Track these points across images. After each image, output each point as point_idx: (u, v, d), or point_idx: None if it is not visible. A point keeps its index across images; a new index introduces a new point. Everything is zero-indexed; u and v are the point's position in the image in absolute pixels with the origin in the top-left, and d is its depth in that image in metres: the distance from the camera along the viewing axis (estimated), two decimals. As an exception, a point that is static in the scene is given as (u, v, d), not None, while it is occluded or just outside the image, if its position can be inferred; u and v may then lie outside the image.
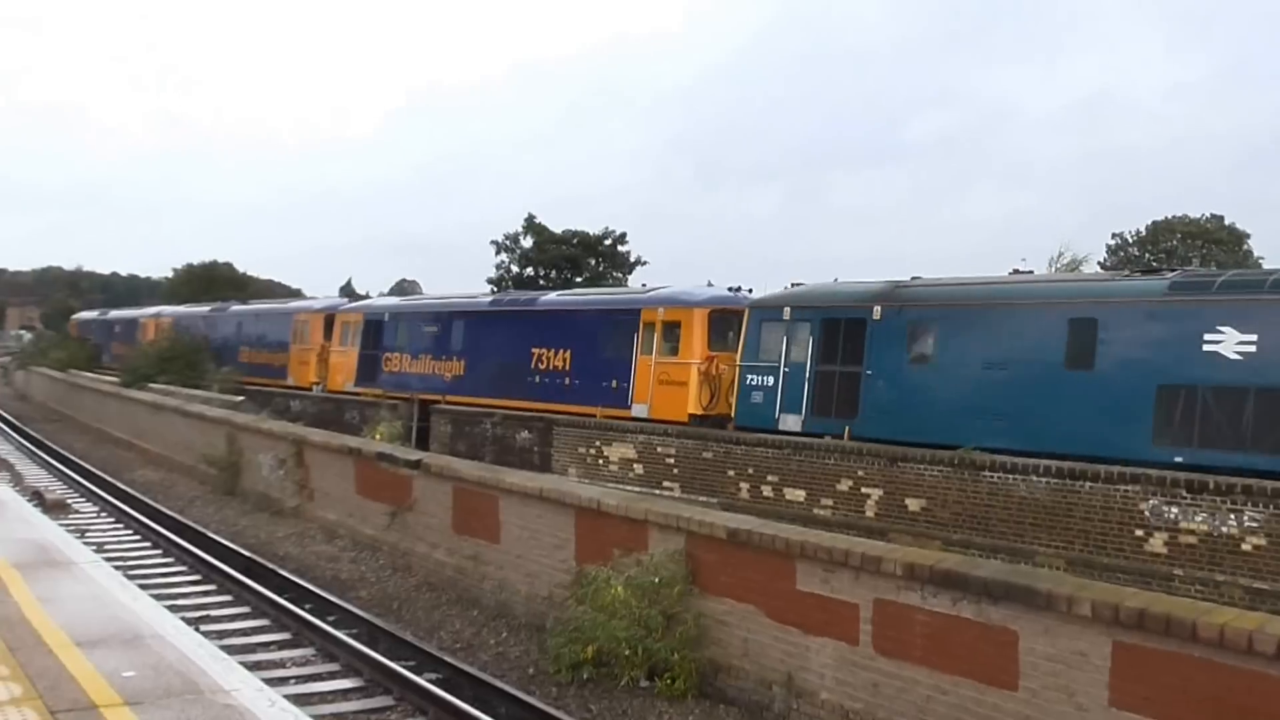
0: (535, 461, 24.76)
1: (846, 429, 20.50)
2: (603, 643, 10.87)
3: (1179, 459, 16.58)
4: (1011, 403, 18.58)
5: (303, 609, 13.00)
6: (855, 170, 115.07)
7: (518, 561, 13.59)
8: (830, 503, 19.48)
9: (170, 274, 78.87)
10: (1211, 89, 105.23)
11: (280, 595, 13.58)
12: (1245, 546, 15.47)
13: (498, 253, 56.68)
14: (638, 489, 21.80)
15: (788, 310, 22.58)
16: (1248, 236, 68.10)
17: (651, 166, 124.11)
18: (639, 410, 24.54)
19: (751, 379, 22.57)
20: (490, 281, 56.20)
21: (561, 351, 27.40)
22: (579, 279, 53.60)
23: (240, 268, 78.06)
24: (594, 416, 24.93)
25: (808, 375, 21.70)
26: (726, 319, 24.32)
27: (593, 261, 54.71)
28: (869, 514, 18.96)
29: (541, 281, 54.42)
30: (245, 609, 13.44)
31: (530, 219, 55.66)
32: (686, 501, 20.15)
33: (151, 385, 34.89)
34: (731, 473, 21.15)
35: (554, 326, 28.04)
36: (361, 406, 32.30)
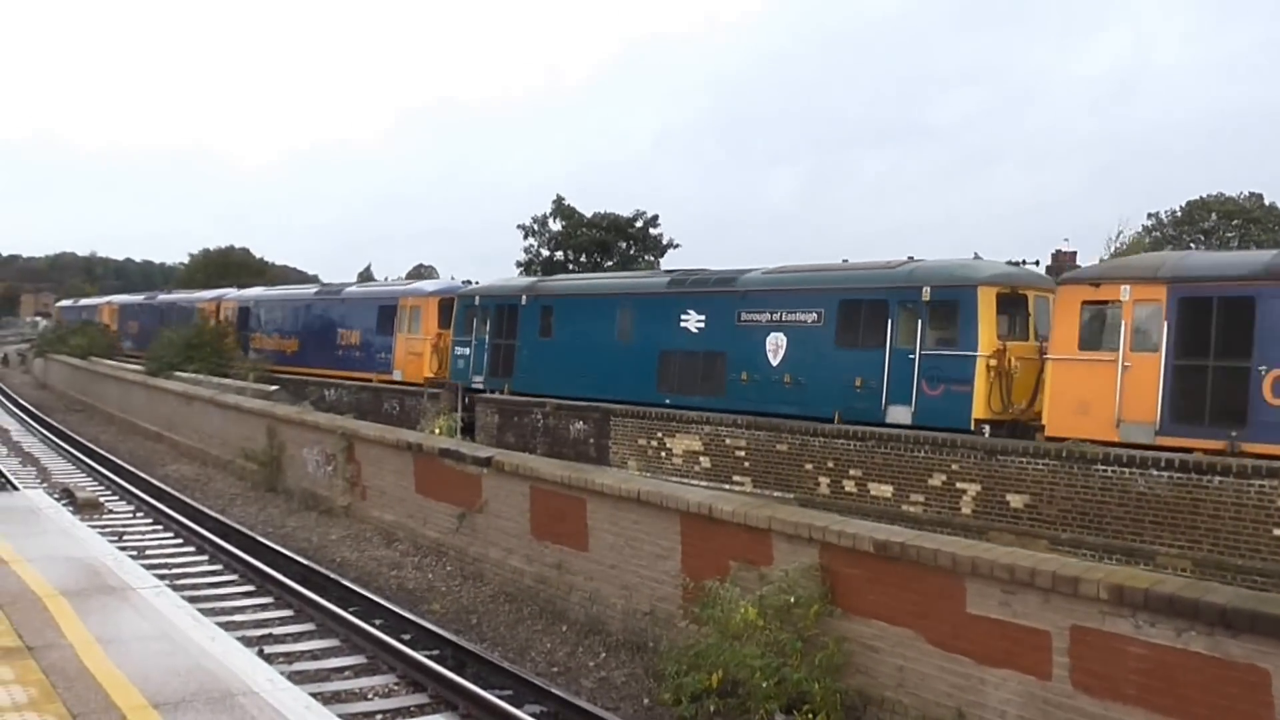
0: (591, 454, 23.42)
1: (506, 385, 27.76)
2: (731, 670, 9.52)
3: (668, 400, 23.52)
4: (590, 365, 25.69)
5: (373, 625, 11.67)
6: (880, 147, 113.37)
7: (611, 572, 12.23)
8: (921, 498, 18.08)
9: (186, 259, 77.85)
10: (1248, 64, 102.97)
11: (346, 609, 12.24)
12: (1401, 547, 14.05)
13: (525, 236, 55.31)
14: (704, 484, 20.42)
15: (477, 299, 29.81)
16: (1289, 214, 66.41)
17: (681, 147, 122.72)
18: (397, 375, 32.57)
19: (458, 349, 30.00)
20: (519, 265, 54.87)
21: (355, 331, 35.23)
22: (609, 263, 52.20)
23: (257, 253, 76.95)
24: (371, 381, 32.78)
25: (486, 346, 28.95)
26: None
27: (624, 244, 53.21)
28: (965, 511, 17.56)
29: (571, 266, 53.00)
30: (309, 626, 12.10)
31: (559, 201, 54.21)
32: (759, 497, 18.79)
33: (179, 374, 33.62)
34: (809, 466, 19.75)
35: (351, 312, 35.79)
36: (402, 396, 31.18)
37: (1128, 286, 17.46)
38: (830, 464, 19.41)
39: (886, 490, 18.58)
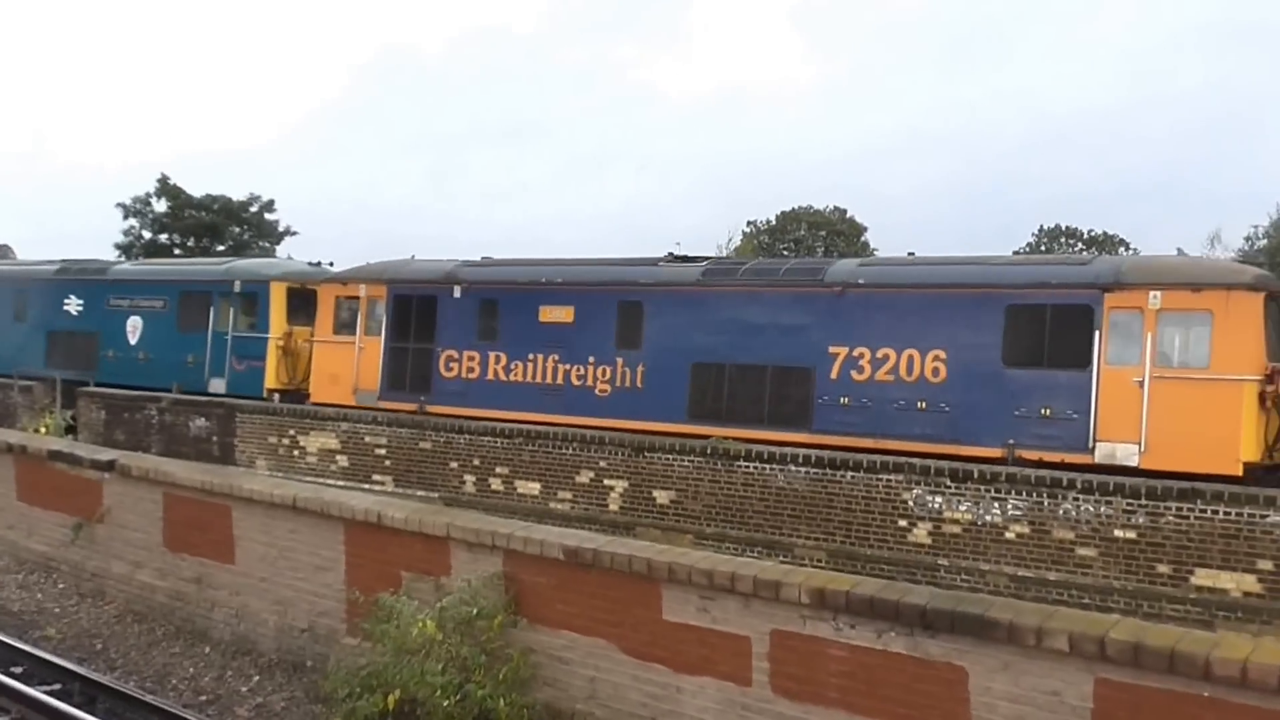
0: (214, 453, 21.75)
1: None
2: (410, 689, 8.79)
3: (58, 375, 25.98)
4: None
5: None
6: (497, 147, 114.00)
7: (262, 586, 11.11)
8: (569, 496, 18.02)
9: None
10: (833, 91, 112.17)
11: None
12: (1009, 535, 15.40)
13: (126, 217, 50.83)
14: (342, 483, 19.37)
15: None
16: (865, 229, 72.61)
17: (307, 136, 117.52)
18: None
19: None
20: (118, 248, 50.33)
21: None
22: (221, 247, 49.03)
23: None
24: None
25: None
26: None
27: (237, 229, 50.11)
28: (613, 507, 17.68)
29: (177, 251, 49.32)
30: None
31: (164, 180, 50.25)
32: (400, 496, 18.05)
33: None
34: (454, 464, 19.23)
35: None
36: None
37: (364, 285, 23.19)
38: (476, 461, 18.98)
39: (534, 488, 18.38)
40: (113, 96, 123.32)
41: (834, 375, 17.99)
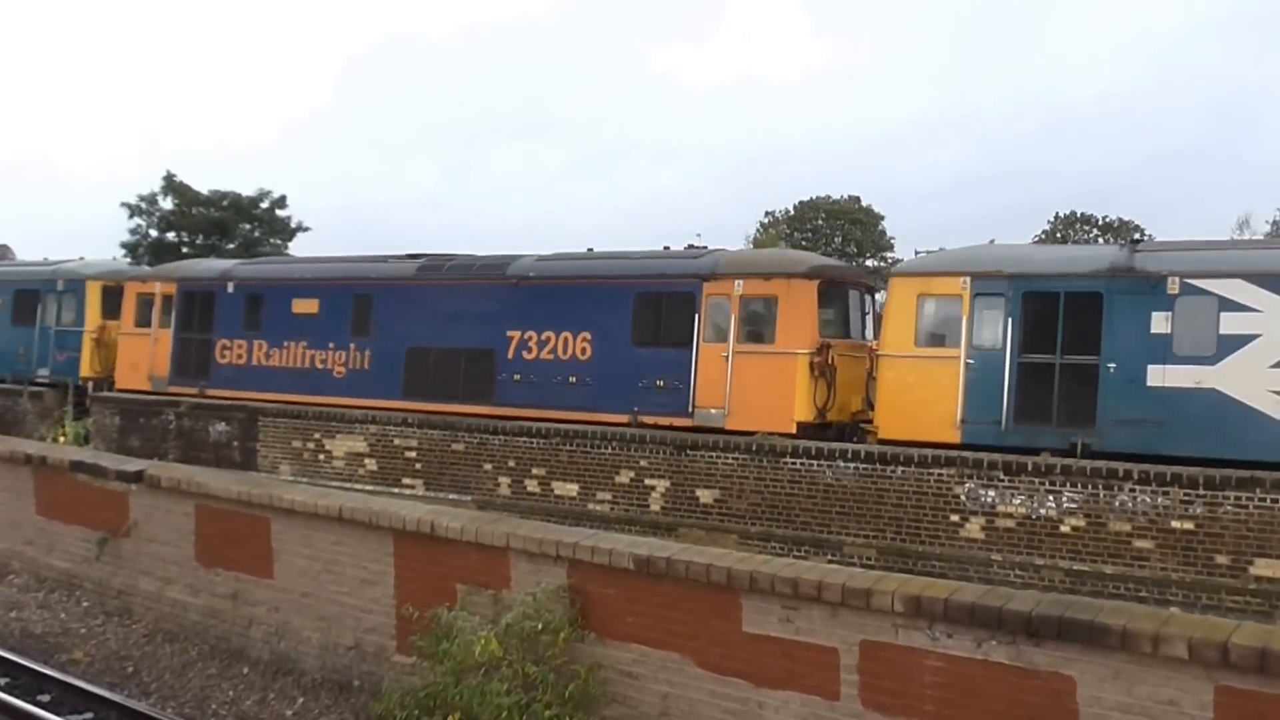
0: (236, 459, 21.37)
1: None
2: (474, 710, 8.37)
3: None
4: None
5: None
6: (513, 140, 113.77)
7: (304, 602, 10.69)
8: (609, 497, 17.63)
9: None
10: (852, 79, 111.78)
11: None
12: (1064, 528, 14.98)
13: (131, 216, 50.29)
14: (370, 488, 18.98)
15: None
16: (883, 218, 72.12)
17: (317, 133, 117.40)
18: None
19: None
20: (125, 246, 49.77)
21: None
22: (231, 245, 48.52)
23: None
24: None
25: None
26: None
27: (248, 226, 49.60)
28: (654, 508, 17.28)
29: (185, 249, 48.81)
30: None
31: (170, 177, 49.70)
32: (430, 500, 17.64)
33: None
34: (488, 466, 18.82)
35: None
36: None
37: (159, 283, 26.18)
38: (511, 463, 18.58)
39: (572, 489, 17.99)
40: (114, 94, 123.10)
41: (510, 355, 20.97)
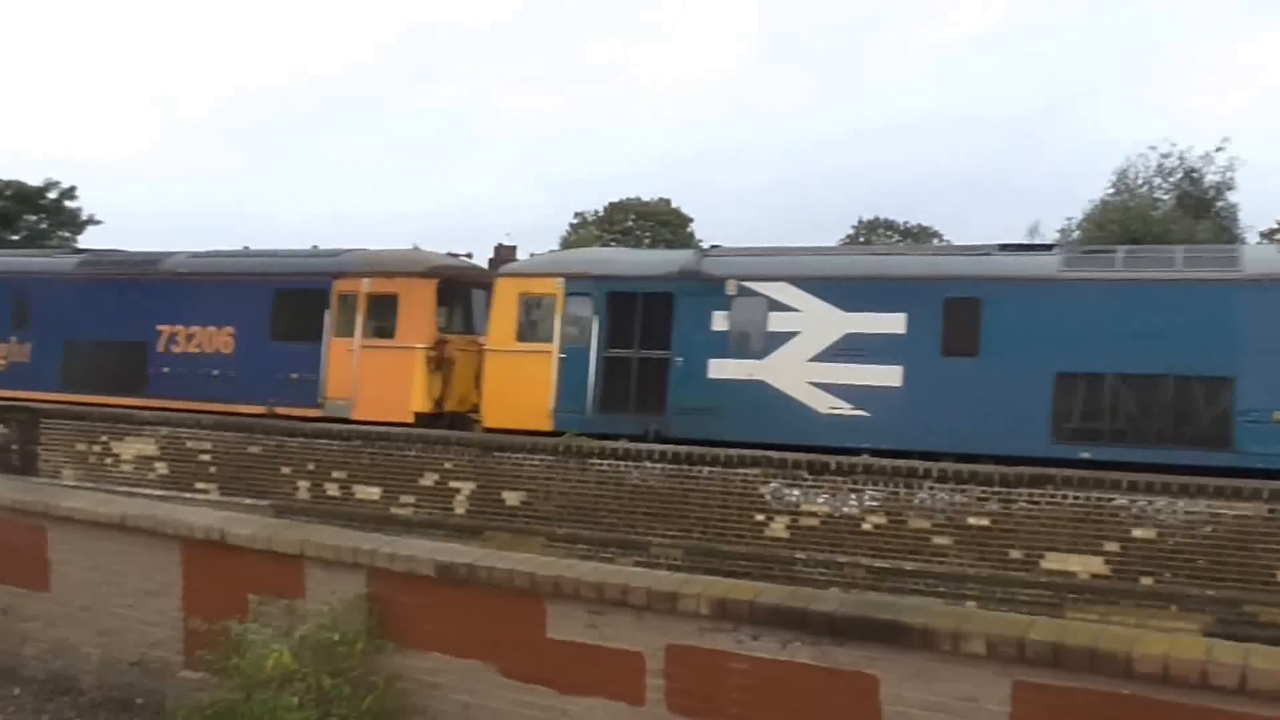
0: (14, 463, 19.95)
1: None
2: (265, 728, 7.94)
3: None
4: None
5: None
6: (342, 132, 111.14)
7: (84, 616, 9.97)
8: (412, 500, 17.18)
9: None
10: (656, 82, 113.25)
11: None
12: (866, 526, 15.31)
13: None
14: (160, 493, 18.03)
15: None
16: (691, 220, 73.38)
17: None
18: None
19: None
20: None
21: None
22: (15, 236, 45.76)
23: None
24: None
25: None
26: None
27: (34, 217, 46.85)
28: (459, 511, 16.96)
29: (-38, 242, 45.76)
30: None
31: (-53, 166, 46.61)
32: (225, 505, 16.89)
33: None
34: (287, 469, 18.11)
35: None
36: None
37: None
38: (311, 466, 17.95)
39: (374, 492, 17.47)
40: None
41: (161, 348, 21.98)
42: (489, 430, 18.23)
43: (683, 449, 15.97)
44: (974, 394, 16.56)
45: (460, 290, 21.22)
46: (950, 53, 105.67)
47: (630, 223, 72.16)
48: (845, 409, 17.07)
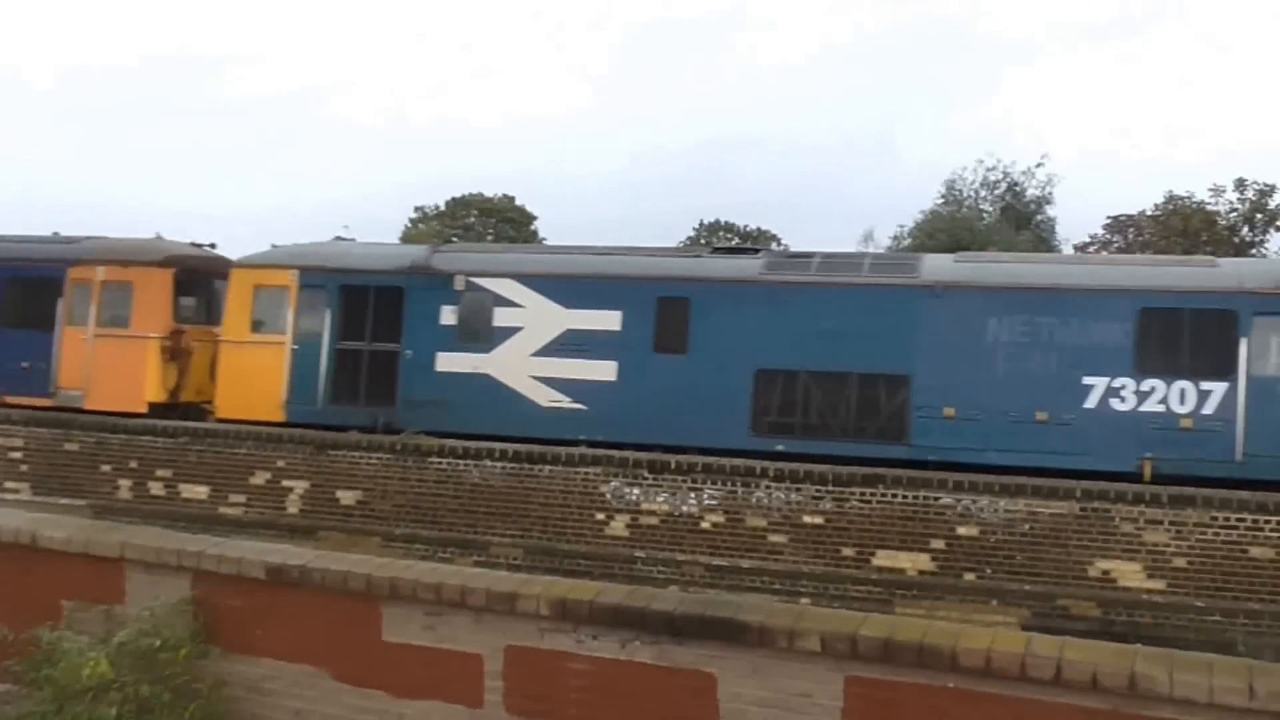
0: None
1: None
2: (78, 741, 7.54)
3: None
4: None
5: None
6: (167, 121, 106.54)
7: (-127, 624, 9.31)
8: (243, 499, 16.63)
9: None
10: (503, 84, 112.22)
11: None
12: (705, 525, 15.45)
13: None
14: (-33, 493, 17.05)
15: None
16: (535, 217, 72.99)
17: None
18: None
19: None
20: None
21: None
22: None
23: None
24: None
25: None
26: None
27: None
28: (292, 510, 16.50)
29: None
30: None
31: None
32: (38, 506, 16.09)
33: None
34: (107, 468, 17.31)
35: None
36: None
37: None
38: (133, 464, 17.20)
39: (202, 491, 16.84)
40: None
41: None
42: (221, 420, 18.18)
43: (524, 448, 15.86)
44: (683, 389, 16.99)
45: (201, 280, 20.92)
46: (803, 70, 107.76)
47: (472, 219, 71.34)
48: (565, 402, 17.39)
